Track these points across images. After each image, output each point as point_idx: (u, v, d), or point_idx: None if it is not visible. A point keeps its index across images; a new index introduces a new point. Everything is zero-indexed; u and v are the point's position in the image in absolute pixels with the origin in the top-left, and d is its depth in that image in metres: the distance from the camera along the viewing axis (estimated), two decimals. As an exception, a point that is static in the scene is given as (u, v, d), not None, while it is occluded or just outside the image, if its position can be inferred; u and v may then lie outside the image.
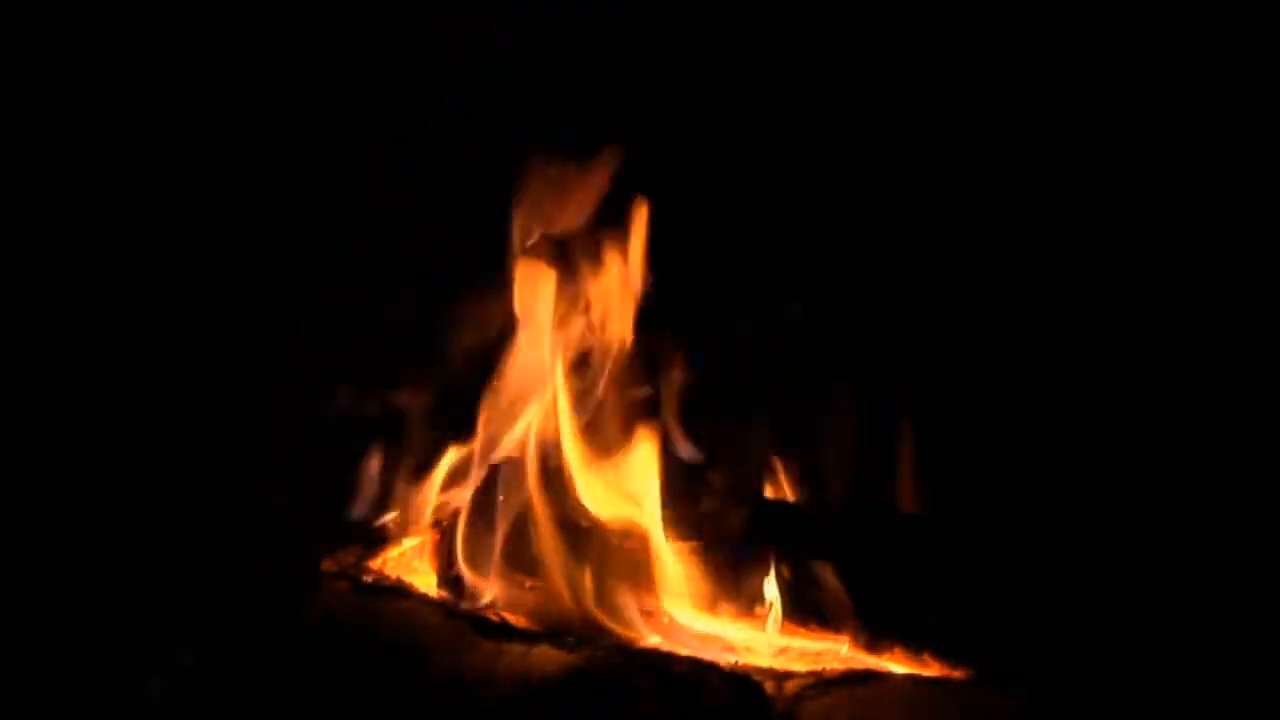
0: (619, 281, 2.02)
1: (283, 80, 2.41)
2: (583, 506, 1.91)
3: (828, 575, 1.82)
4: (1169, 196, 2.20)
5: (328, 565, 1.97)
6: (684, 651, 1.80)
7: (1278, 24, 2.14)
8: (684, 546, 1.89)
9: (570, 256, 2.02)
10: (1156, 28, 2.18)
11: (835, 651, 1.81)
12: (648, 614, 1.86)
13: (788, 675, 1.70)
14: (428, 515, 2.07)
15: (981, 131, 2.27)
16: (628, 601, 1.86)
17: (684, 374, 2.06)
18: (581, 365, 2.02)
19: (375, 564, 1.99)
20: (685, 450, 2.02)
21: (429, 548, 2.05)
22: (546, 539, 1.88)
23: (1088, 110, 2.23)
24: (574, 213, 2.05)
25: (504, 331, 2.08)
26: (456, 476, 2.07)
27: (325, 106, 2.41)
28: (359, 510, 2.10)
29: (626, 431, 1.93)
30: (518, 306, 2.04)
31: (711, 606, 1.86)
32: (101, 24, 2.38)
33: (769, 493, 2.15)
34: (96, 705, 1.66)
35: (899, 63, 2.28)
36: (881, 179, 2.30)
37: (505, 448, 2.03)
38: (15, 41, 2.37)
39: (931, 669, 1.75)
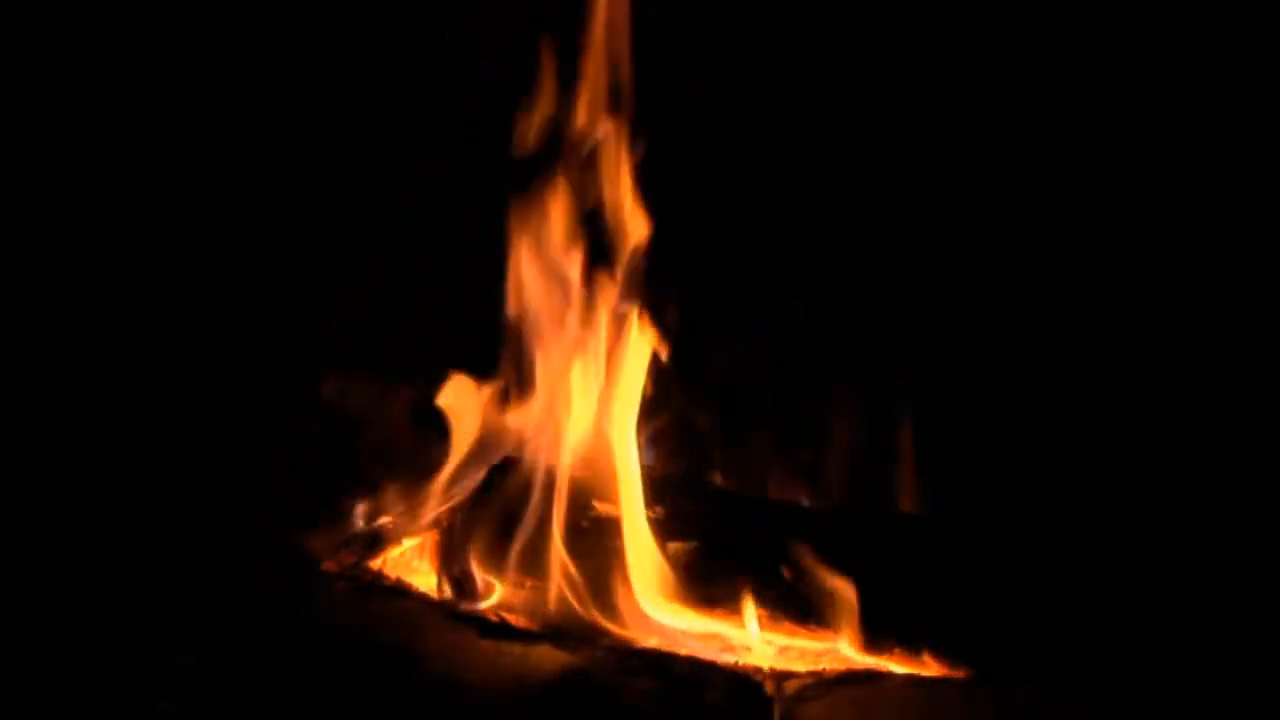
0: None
1: (283, 74, 2.42)
2: (582, 506, 1.91)
3: (828, 574, 1.82)
4: (1167, 197, 2.20)
5: (328, 565, 1.97)
6: (684, 651, 1.80)
7: (1277, 24, 2.14)
8: (683, 546, 1.89)
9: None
10: (1155, 27, 2.18)
11: (835, 651, 1.80)
12: (645, 613, 1.86)
13: (788, 675, 1.71)
14: (428, 515, 2.07)
15: (980, 131, 2.27)
16: (627, 601, 1.86)
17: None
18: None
19: (375, 564, 2.00)
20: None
21: (429, 548, 2.05)
22: (546, 539, 1.88)
23: (1086, 110, 2.23)
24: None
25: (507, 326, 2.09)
26: (457, 476, 2.07)
27: (328, 100, 2.42)
28: (359, 511, 2.10)
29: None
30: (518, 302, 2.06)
31: (709, 606, 1.86)
32: (111, 26, 2.39)
33: (770, 492, 2.16)
34: (97, 705, 1.66)
35: (900, 62, 2.28)
36: (882, 179, 2.30)
37: (505, 447, 2.03)
38: (18, 41, 2.37)
39: (931, 669, 1.75)
